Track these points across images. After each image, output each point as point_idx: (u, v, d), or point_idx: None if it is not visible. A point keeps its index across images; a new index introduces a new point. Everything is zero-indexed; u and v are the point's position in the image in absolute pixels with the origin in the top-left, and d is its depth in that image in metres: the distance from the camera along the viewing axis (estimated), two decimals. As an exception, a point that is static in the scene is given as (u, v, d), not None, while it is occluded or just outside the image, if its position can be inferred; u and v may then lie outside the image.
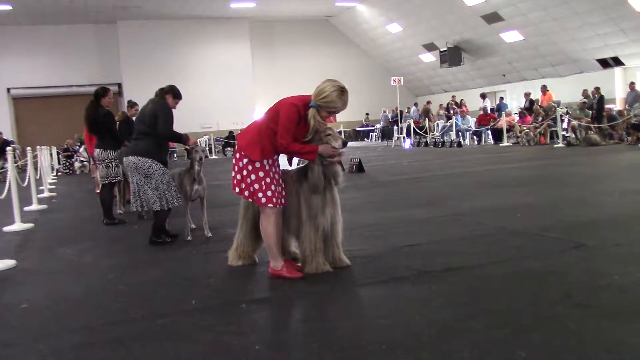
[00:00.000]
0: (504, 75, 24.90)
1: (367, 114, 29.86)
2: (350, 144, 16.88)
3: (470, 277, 3.74)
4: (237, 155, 4.02)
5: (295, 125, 3.83)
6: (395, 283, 3.71)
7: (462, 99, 23.94)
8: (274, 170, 4.00)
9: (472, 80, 26.65)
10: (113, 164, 7.00)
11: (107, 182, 7.05)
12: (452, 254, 4.36)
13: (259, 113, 28.08)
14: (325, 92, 3.80)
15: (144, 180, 5.29)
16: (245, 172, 3.95)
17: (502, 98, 22.68)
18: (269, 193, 3.91)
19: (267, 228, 3.97)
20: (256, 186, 3.90)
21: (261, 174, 3.91)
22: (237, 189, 4.08)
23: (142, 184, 5.29)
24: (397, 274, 3.90)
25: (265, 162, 3.92)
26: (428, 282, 3.68)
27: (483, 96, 22.07)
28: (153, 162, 5.33)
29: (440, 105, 25.12)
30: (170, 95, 5.49)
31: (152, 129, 5.30)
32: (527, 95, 20.28)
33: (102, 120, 6.87)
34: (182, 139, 5.56)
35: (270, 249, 4.02)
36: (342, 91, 3.84)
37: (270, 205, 3.91)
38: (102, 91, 6.97)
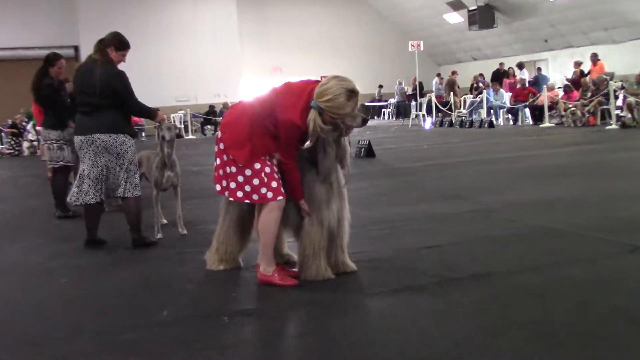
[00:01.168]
0: (546, 41, 24.83)
1: (381, 86, 29.81)
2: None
3: (500, 285, 3.74)
4: (220, 146, 4.03)
5: (298, 140, 3.88)
6: (409, 292, 3.72)
7: (510, 68, 22.49)
8: (269, 159, 4.01)
9: (507, 46, 26.58)
10: (55, 145, 6.98)
11: (57, 166, 7.04)
12: (478, 258, 4.37)
13: (246, 86, 28.12)
14: (329, 94, 3.75)
15: (115, 160, 5.24)
16: (234, 169, 3.96)
17: (539, 69, 22.56)
18: (274, 184, 3.93)
19: (268, 224, 3.99)
20: (255, 182, 3.92)
21: (257, 165, 3.93)
22: (218, 186, 4.10)
23: (113, 165, 5.25)
24: (412, 282, 3.91)
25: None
26: (449, 291, 3.69)
27: (520, 66, 21.98)
28: (126, 136, 5.29)
29: (479, 75, 24.59)
30: (112, 48, 5.30)
31: (110, 100, 5.21)
32: (577, 64, 20.05)
33: (45, 92, 6.83)
34: (151, 113, 5.49)
35: (265, 250, 4.04)
36: (351, 94, 3.78)
37: (281, 197, 3.93)
38: (51, 58, 6.91)
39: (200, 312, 3.62)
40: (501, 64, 23.31)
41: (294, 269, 4.19)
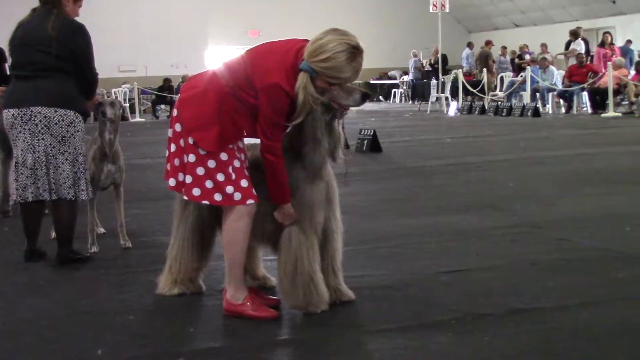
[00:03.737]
0: (614, 2, 24.92)
1: (405, 72, 29.69)
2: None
3: (545, 324, 3.75)
4: (177, 129, 4.02)
5: (286, 115, 3.84)
6: (424, 331, 3.72)
7: (606, 33, 21.63)
8: (238, 147, 4.01)
9: (560, 8, 26.70)
10: None
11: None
12: (517, 288, 4.37)
13: (214, 54, 28.09)
14: (325, 52, 3.70)
15: (58, 146, 5.21)
16: (192, 158, 3.93)
17: (629, 41, 22.21)
18: (244, 183, 3.92)
19: (234, 236, 3.98)
20: (220, 177, 3.89)
21: (224, 156, 3.91)
22: (172, 181, 4.08)
23: (55, 153, 5.21)
24: (428, 317, 3.91)
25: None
26: (477, 330, 3.69)
27: (575, 34, 22.01)
28: (76, 115, 5.26)
29: (524, 46, 24.42)
30: None
31: (64, 62, 5.19)
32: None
33: None
34: (94, 90, 5.52)
35: (232, 270, 4.03)
36: (354, 53, 3.74)
37: (251, 201, 3.92)
38: None
39: (146, 351, 3.60)
40: (578, 28, 22.67)
41: (272, 297, 4.20)
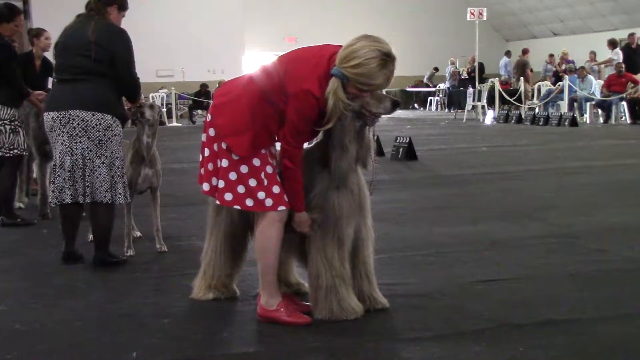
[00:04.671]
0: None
1: (436, 69, 29.67)
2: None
3: (581, 336, 3.72)
4: (211, 133, 4.04)
5: (313, 122, 3.84)
6: (458, 340, 3.71)
7: None
8: (271, 152, 4.03)
9: (600, 17, 26.44)
10: (7, 127, 7.03)
11: (8, 156, 7.07)
12: (554, 299, 4.34)
13: (251, 60, 28.22)
14: (357, 58, 3.70)
15: (95, 149, 5.25)
16: (225, 162, 3.96)
17: None
18: (276, 189, 3.92)
19: (267, 242, 3.99)
20: (252, 182, 3.91)
21: (257, 162, 3.92)
22: (206, 186, 4.10)
23: (92, 156, 5.26)
24: (462, 326, 3.89)
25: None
26: (512, 341, 3.67)
27: (613, 44, 21.77)
28: (113, 119, 5.29)
29: (564, 54, 24.06)
30: (115, 7, 5.40)
31: (104, 67, 5.23)
32: None
33: (1, 57, 6.90)
34: (139, 94, 5.58)
35: (264, 275, 4.05)
36: (386, 60, 3.72)
37: (282, 207, 3.93)
38: (8, 12, 6.98)
39: (181, 355, 3.62)
40: (631, 34, 21.67)
41: (306, 303, 4.19)
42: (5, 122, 6.95)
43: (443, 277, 4.89)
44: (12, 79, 6.94)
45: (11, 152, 7.02)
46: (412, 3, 31.04)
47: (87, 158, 5.23)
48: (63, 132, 5.22)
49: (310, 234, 3.99)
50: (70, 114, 5.19)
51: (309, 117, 3.81)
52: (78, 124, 5.19)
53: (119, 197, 5.34)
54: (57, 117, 5.22)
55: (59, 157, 5.27)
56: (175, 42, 27.44)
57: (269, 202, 3.90)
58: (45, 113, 5.38)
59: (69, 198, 5.26)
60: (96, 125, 5.20)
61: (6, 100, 6.96)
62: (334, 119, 3.80)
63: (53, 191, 5.31)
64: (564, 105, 20.64)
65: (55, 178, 5.29)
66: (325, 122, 3.82)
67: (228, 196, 3.95)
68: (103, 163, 5.25)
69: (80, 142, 5.21)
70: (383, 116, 4.05)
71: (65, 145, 5.23)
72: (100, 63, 5.19)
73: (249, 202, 3.92)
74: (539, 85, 23.34)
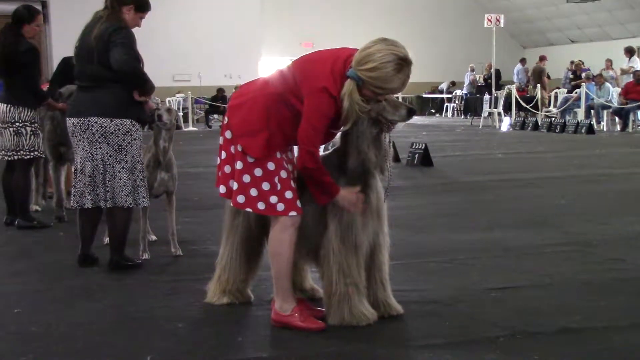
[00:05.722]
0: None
1: (453, 83, 29.62)
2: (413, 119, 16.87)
3: (596, 345, 3.71)
4: (227, 136, 4.05)
5: (330, 122, 3.85)
6: (473, 348, 3.69)
7: None
8: (287, 157, 4.04)
9: (618, 25, 26.30)
10: (28, 129, 7.05)
11: (16, 157, 7.09)
12: (569, 307, 4.32)
13: (267, 64, 28.25)
14: (373, 61, 3.72)
15: (115, 155, 5.26)
16: (240, 165, 3.97)
17: None
18: (289, 194, 3.93)
19: (279, 247, 4.00)
20: (265, 186, 3.92)
21: (271, 165, 3.94)
22: (222, 188, 4.12)
23: (112, 161, 5.27)
24: (477, 334, 3.88)
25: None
26: (527, 349, 3.65)
27: (630, 51, 21.66)
28: (132, 123, 5.29)
29: (579, 62, 24.01)
30: (131, 7, 5.32)
31: (114, 71, 5.16)
32: None
33: (24, 59, 6.93)
34: (147, 84, 5.38)
35: (278, 280, 4.05)
36: (402, 64, 3.74)
37: (294, 213, 3.94)
38: (27, 13, 7.01)
39: (195, 359, 3.62)
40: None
41: (320, 308, 4.19)
42: (26, 123, 6.97)
43: (457, 284, 4.87)
44: (33, 82, 6.98)
45: (31, 154, 7.06)
46: (430, 9, 30.98)
47: (108, 163, 5.25)
48: (83, 137, 5.25)
49: (328, 239, 3.96)
50: (89, 121, 5.21)
51: (326, 114, 3.82)
52: (97, 130, 5.21)
53: (142, 201, 5.36)
54: (78, 123, 5.25)
55: (80, 162, 5.30)
56: (192, 47, 27.49)
57: (280, 206, 3.91)
58: (67, 118, 5.41)
59: (90, 203, 5.28)
60: (115, 130, 5.22)
61: (26, 102, 7.00)
62: (350, 121, 3.81)
63: (74, 195, 5.34)
64: (580, 113, 20.55)
65: (77, 182, 5.32)
66: (341, 123, 3.84)
67: (241, 198, 3.96)
68: (123, 168, 5.26)
69: (100, 147, 5.22)
70: (399, 123, 4.05)
71: (86, 150, 5.25)
72: (108, 68, 5.17)
73: (261, 206, 3.93)
74: (556, 92, 23.24)
